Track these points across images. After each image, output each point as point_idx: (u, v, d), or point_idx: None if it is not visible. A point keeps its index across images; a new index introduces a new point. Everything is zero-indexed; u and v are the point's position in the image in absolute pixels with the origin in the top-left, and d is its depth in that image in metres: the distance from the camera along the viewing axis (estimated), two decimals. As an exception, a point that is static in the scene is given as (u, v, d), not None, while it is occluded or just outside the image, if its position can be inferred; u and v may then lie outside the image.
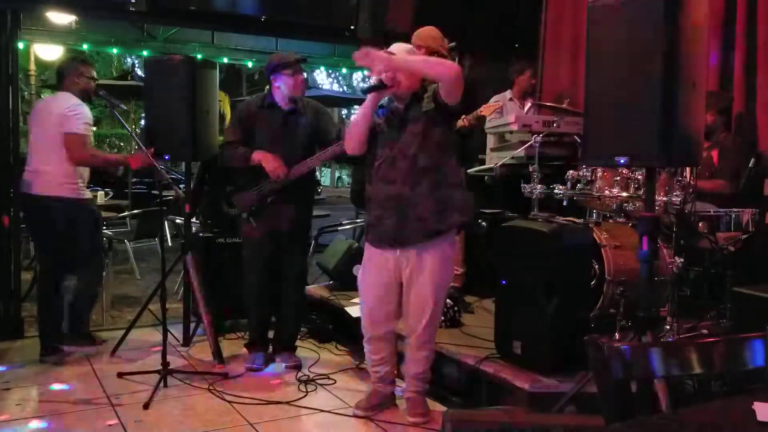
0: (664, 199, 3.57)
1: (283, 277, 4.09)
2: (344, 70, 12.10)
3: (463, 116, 4.11)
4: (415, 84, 3.22)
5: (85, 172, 4.28)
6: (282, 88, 3.94)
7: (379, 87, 3.15)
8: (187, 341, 4.49)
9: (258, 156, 3.90)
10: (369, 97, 3.23)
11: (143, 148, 4.00)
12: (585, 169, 3.89)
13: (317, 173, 22.71)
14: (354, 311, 4.14)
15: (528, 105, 5.42)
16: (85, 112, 4.15)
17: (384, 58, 3.09)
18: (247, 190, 4.00)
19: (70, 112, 4.07)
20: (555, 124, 4.28)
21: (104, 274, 5.20)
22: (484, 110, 4.75)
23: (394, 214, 3.20)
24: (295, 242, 4.07)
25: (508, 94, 5.40)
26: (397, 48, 3.25)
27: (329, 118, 4.22)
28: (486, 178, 5.11)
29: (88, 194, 4.35)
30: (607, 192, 3.77)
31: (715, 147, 4.20)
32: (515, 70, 5.41)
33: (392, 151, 3.22)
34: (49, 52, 11.08)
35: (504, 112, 5.02)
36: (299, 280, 4.19)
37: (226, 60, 8.33)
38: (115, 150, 22.97)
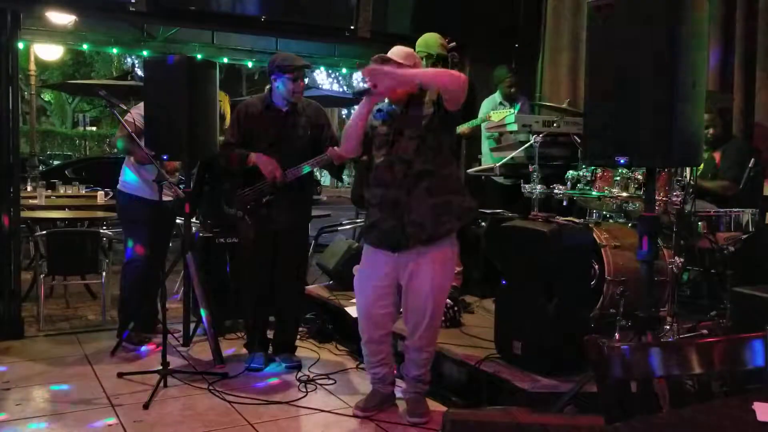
0: (664, 199, 3.57)
1: (281, 276, 4.09)
2: (344, 70, 12.07)
3: (463, 127, 4.11)
4: (413, 88, 3.19)
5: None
6: (281, 89, 3.94)
7: (367, 92, 3.13)
8: (187, 341, 4.48)
9: (254, 158, 3.90)
10: (363, 100, 3.20)
11: (143, 147, 4.01)
12: (585, 169, 3.89)
13: (317, 174, 22.74)
14: (354, 311, 4.12)
15: (521, 103, 5.41)
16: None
17: (391, 76, 3.05)
18: (244, 190, 4.00)
19: None
20: (555, 124, 4.29)
21: (104, 274, 5.22)
22: (488, 124, 4.77)
23: (391, 218, 3.18)
24: (292, 241, 4.07)
25: (497, 97, 5.40)
26: (397, 52, 3.23)
27: (327, 119, 4.22)
28: (483, 178, 5.12)
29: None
30: (607, 192, 3.78)
31: (718, 148, 4.21)
32: (495, 76, 5.41)
33: (389, 155, 3.20)
34: (49, 52, 11.08)
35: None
36: (297, 280, 4.19)
37: (226, 60, 8.30)
38: (115, 150, 22.96)
